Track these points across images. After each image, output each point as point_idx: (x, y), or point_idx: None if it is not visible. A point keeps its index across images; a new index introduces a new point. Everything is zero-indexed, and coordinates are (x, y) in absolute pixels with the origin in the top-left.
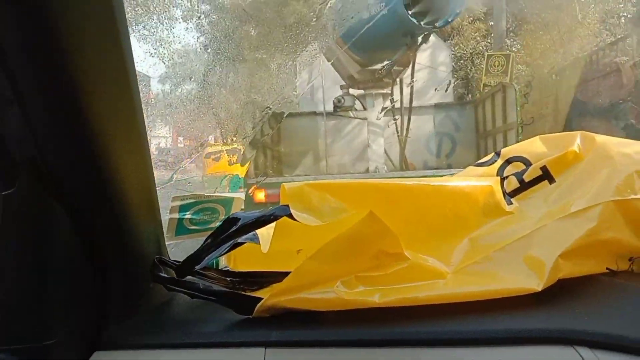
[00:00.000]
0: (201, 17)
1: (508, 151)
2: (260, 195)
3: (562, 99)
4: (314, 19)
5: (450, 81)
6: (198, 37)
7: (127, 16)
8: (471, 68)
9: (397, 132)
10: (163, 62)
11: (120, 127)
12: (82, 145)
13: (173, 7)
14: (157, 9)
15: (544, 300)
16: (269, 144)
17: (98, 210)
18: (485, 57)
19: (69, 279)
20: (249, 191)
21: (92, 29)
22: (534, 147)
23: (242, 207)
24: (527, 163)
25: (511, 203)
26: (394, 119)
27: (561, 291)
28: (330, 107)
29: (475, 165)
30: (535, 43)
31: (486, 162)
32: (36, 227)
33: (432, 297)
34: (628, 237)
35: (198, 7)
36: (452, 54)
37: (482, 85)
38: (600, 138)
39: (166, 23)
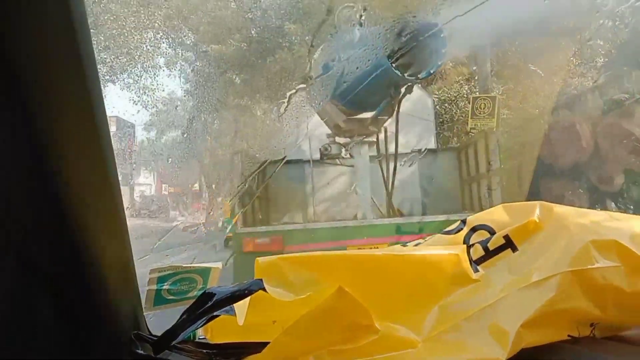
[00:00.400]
0: (185, 65)
1: (473, 219)
2: (249, 245)
3: (528, 159)
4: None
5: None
6: (182, 85)
7: (112, 64)
8: (456, 111)
9: (384, 179)
10: (146, 109)
11: (94, 196)
12: (57, 222)
13: (157, 55)
14: (141, 57)
15: None
16: (256, 192)
17: (74, 286)
18: (471, 99)
19: (48, 358)
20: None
21: (63, 97)
22: (497, 216)
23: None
24: (492, 231)
25: (477, 270)
26: (380, 167)
27: None
28: (317, 155)
29: (442, 233)
30: (517, 87)
31: (452, 230)
32: (15, 307)
33: None
34: (586, 306)
35: (182, 54)
36: (436, 98)
37: (468, 128)
38: (558, 208)
39: (150, 71)
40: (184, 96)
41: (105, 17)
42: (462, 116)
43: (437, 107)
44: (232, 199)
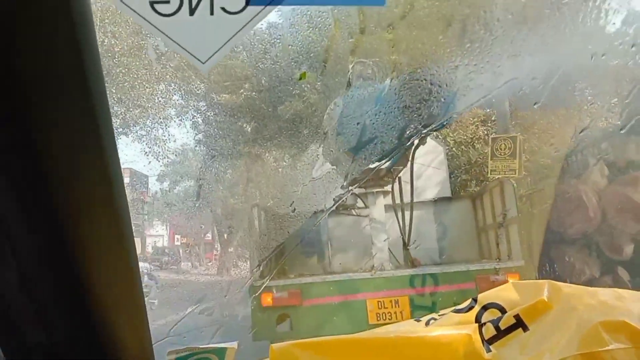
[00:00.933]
0: (196, 116)
1: (484, 297)
2: (268, 299)
3: (537, 225)
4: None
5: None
6: (194, 135)
7: (124, 116)
8: (472, 153)
9: (400, 228)
10: (157, 160)
11: (118, 300)
12: (83, 326)
13: (169, 107)
14: (153, 109)
15: None
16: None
17: None
18: (490, 140)
19: None
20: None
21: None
22: (507, 294)
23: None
24: (502, 310)
25: (490, 350)
26: (396, 217)
27: None
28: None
29: (453, 312)
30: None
31: (464, 308)
32: None
33: None
34: None
35: (193, 105)
36: (452, 140)
37: (488, 172)
38: (566, 288)
39: (162, 122)
40: (196, 146)
41: (118, 70)
42: (479, 158)
43: (453, 149)
44: (264, 259)
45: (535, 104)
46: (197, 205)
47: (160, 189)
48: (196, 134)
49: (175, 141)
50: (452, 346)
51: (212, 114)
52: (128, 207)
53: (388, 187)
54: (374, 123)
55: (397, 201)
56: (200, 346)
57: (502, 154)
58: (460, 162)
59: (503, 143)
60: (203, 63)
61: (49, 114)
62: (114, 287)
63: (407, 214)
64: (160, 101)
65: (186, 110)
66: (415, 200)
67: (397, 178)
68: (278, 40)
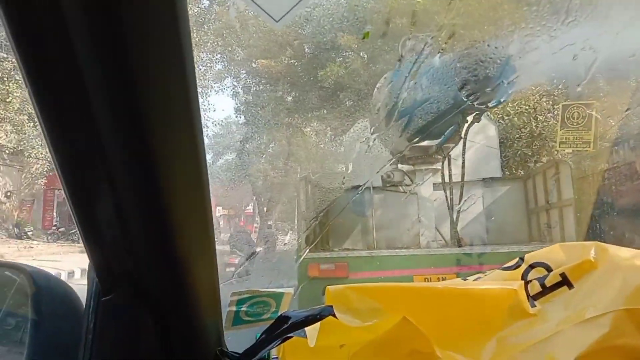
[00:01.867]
0: (235, 84)
1: (531, 257)
2: (315, 270)
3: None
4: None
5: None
6: (235, 104)
7: None
8: (536, 125)
9: (448, 207)
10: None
11: (194, 238)
12: (165, 258)
13: (210, 76)
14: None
15: None
16: (319, 219)
17: (173, 310)
18: (561, 108)
19: None
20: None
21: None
22: (554, 254)
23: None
24: (549, 269)
25: (534, 305)
26: (445, 195)
27: None
28: (379, 182)
29: (501, 269)
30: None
31: (512, 266)
32: (127, 326)
33: None
34: (639, 344)
35: (233, 71)
36: (512, 110)
37: (557, 144)
38: (612, 249)
39: (202, 93)
40: (236, 116)
41: None
42: (543, 131)
43: (515, 118)
44: (307, 228)
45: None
46: (238, 177)
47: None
48: (236, 104)
49: (214, 110)
50: (498, 300)
51: (252, 82)
52: (205, 155)
53: (438, 165)
54: (426, 98)
55: (447, 180)
56: (260, 289)
57: (575, 123)
58: (521, 135)
59: (576, 111)
60: (277, 21)
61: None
62: (192, 229)
63: (456, 192)
64: (200, 70)
65: (225, 77)
66: (465, 179)
67: (447, 156)
68: (321, 5)
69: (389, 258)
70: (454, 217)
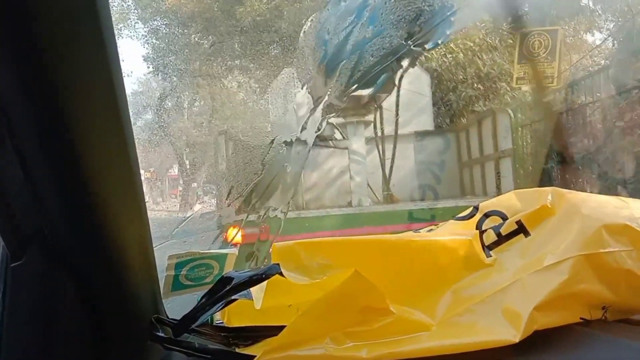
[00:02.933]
0: (141, 26)
1: (486, 205)
2: (237, 236)
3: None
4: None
5: None
6: (144, 51)
7: None
8: (483, 65)
9: (381, 163)
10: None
11: (117, 188)
12: (84, 213)
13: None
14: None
15: (521, 352)
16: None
17: (98, 273)
18: (518, 37)
19: (72, 343)
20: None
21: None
22: (510, 202)
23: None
24: (504, 217)
25: (490, 255)
26: (377, 150)
27: (537, 342)
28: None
29: (455, 219)
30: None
31: (466, 215)
32: (43, 295)
33: (417, 351)
34: (599, 289)
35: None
36: (457, 47)
37: (514, 81)
38: (569, 194)
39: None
40: (148, 67)
41: None
42: (492, 69)
43: (460, 55)
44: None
45: None
46: (158, 138)
47: None
48: (146, 51)
49: (123, 61)
50: (452, 251)
51: (161, 24)
52: (127, 102)
53: (370, 117)
54: (357, 41)
55: (379, 133)
56: (201, 251)
57: (536, 54)
58: (467, 75)
59: (537, 40)
60: None
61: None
62: (114, 183)
63: (389, 146)
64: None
65: (129, 18)
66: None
67: (380, 107)
68: None
69: (318, 218)
70: (387, 172)
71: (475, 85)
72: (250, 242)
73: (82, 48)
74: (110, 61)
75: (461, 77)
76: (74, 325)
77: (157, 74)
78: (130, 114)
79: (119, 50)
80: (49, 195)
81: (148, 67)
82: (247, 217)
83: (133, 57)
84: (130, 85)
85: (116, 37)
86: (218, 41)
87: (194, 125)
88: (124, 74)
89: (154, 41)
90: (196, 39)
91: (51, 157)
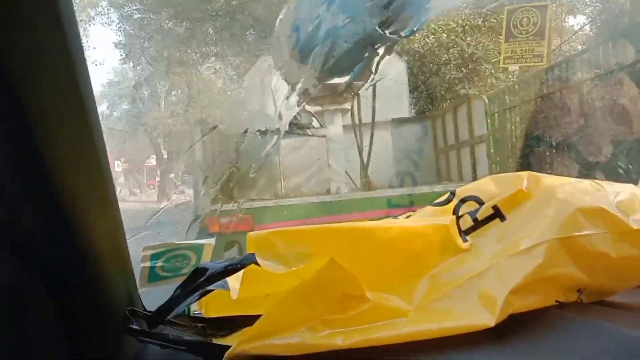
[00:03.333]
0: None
1: (462, 191)
2: (214, 225)
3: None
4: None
5: None
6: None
7: None
8: (467, 46)
9: (359, 150)
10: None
11: (86, 181)
12: (50, 207)
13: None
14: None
15: (498, 336)
16: (219, 168)
17: (68, 268)
18: (505, 13)
19: (44, 339)
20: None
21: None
22: (486, 187)
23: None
24: (480, 202)
25: (467, 240)
26: (355, 137)
27: (513, 326)
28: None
29: (432, 205)
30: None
31: (442, 201)
32: (11, 292)
33: (393, 337)
34: (573, 272)
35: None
36: (439, 27)
37: (501, 59)
38: (545, 178)
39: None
40: (121, 55)
41: None
42: (477, 50)
43: (443, 36)
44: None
45: None
46: (134, 127)
47: (100, 112)
48: (118, 37)
49: (95, 49)
50: (429, 236)
51: (132, 9)
52: (93, 93)
53: (347, 105)
54: (332, 29)
55: (357, 121)
56: (177, 242)
57: (524, 32)
58: (450, 56)
59: (525, 16)
60: None
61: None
62: (82, 176)
63: (367, 134)
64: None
65: (100, 3)
66: (375, 119)
67: (357, 94)
68: None
69: (297, 206)
70: (365, 160)
71: (459, 68)
72: (229, 231)
73: (41, 37)
74: (73, 50)
75: (444, 59)
76: (44, 321)
77: (130, 62)
78: (106, 104)
79: (91, 38)
80: (14, 190)
81: (121, 55)
82: (220, 206)
83: (106, 44)
84: (105, 74)
85: (88, 24)
86: (191, 27)
87: (170, 114)
88: (95, 63)
89: (127, 27)
90: (170, 24)
91: (15, 152)
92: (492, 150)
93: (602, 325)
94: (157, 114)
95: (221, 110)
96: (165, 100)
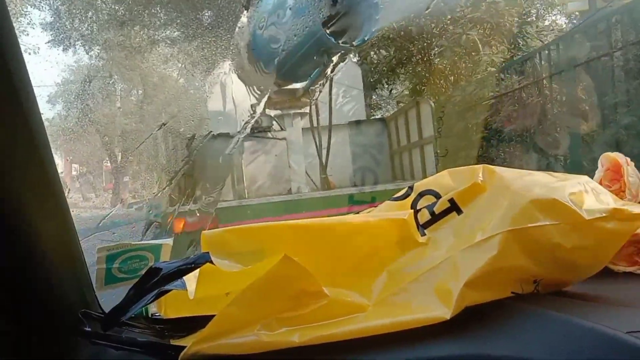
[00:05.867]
0: None
1: (420, 185)
2: (179, 225)
3: (474, 125)
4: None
5: None
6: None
7: None
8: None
9: (317, 152)
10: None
11: (31, 184)
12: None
13: None
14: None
15: (454, 328)
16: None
17: (16, 272)
18: None
19: None
20: (167, 221)
21: None
22: (443, 181)
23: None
24: (437, 196)
25: (424, 234)
26: (314, 139)
27: (470, 318)
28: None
29: (391, 200)
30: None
31: (401, 196)
32: None
33: (350, 332)
34: (527, 263)
35: None
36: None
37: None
38: (500, 170)
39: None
40: (51, 37)
41: None
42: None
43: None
44: (171, 180)
45: None
46: (83, 126)
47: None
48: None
49: (28, 34)
50: (386, 231)
51: None
52: (33, 91)
53: (306, 109)
54: (290, 37)
55: (315, 124)
56: (133, 242)
57: None
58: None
59: None
60: None
61: None
62: (27, 179)
63: (325, 136)
64: None
65: None
66: (332, 123)
67: (315, 99)
68: None
69: (260, 206)
70: (323, 161)
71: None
72: (193, 231)
73: None
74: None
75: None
76: None
77: (59, 46)
78: (62, 104)
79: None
80: None
81: (49, 37)
82: (178, 206)
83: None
84: (60, 72)
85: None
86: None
87: (123, 112)
88: (29, 51)
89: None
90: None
91: None
92: (447, 150)
93: (556, 315)
94: (108, 112)
95: (180, 110)
96: (112, 94)
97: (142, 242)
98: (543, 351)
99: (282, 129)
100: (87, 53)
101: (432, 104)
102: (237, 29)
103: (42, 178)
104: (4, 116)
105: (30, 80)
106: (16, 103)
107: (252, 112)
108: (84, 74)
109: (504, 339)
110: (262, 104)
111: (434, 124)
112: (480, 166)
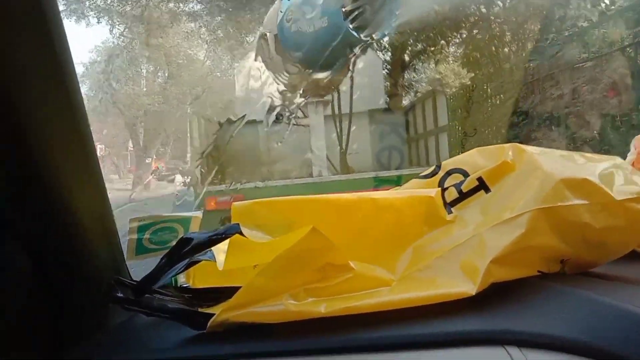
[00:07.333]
0: None
1: (448, 163)
2: (212, 203)
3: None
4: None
5: None
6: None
7: None
8: None
9: (338, 137)
10: None
11: (69, 155)
12: (32, 180)
13: None
14: None
15: (478, 304)
16: (212, 153)
17: (51, 240)
18: None
19: (27, 308)
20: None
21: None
22: (472, 159)
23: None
24: (465, 174)
25: (451, 212)
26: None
27: (494, 294)
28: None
29: (419, 178)
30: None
31: (429, 174)
32: None
33: (375, 305)
34: (555, 242)
35: None
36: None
37: None
38: (529, 149)
39: None
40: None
41: None
42: None
43: None
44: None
45: None
46: (106, 107)
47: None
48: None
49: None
50: (414, 208)
51: None
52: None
53: (328, 97)
54: (316, 29)
55: (337, 112)
56: (164, 214)
57: None
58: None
59: None
60: None
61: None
62: (65, 150)
63: (345, 123)
64: None
65: None
66: (353, 110)
67: (337, 88)
68: None
69: (284, 187)
70: (344, 146)
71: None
72: (224, 209)
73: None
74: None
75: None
76: (26, 293)
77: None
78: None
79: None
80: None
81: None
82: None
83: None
84: (87, 53)
85: None
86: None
87: (147, 92)
88: None
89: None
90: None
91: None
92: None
93: (580, 292)
94: (129, 91)
95: (208, 93)
96: (135, 74)
97: (172, 214)
98: (565, 327)
99: (305, 116)
100: (110, 32)
101: (447, 96)
102: (266, 18)
103: (80, 151)
104: (48, 93)
105: (72, 59)
106: (60, 80)
107: (281, 98)
108: (108, 54)
109: (526, 315)
110: (296, 93)
111: (448, 114)
112: (509, 145)
